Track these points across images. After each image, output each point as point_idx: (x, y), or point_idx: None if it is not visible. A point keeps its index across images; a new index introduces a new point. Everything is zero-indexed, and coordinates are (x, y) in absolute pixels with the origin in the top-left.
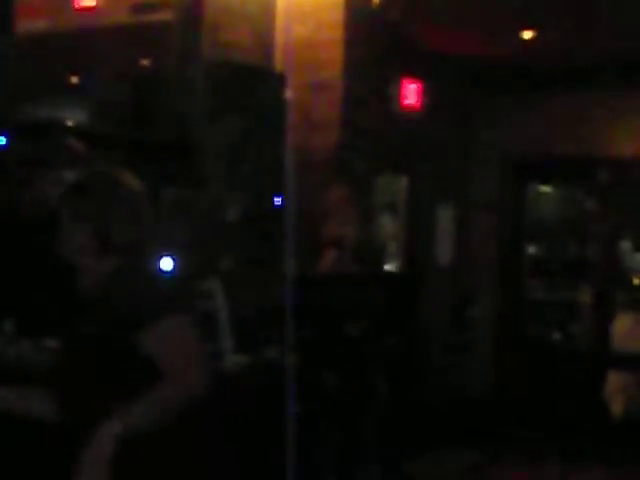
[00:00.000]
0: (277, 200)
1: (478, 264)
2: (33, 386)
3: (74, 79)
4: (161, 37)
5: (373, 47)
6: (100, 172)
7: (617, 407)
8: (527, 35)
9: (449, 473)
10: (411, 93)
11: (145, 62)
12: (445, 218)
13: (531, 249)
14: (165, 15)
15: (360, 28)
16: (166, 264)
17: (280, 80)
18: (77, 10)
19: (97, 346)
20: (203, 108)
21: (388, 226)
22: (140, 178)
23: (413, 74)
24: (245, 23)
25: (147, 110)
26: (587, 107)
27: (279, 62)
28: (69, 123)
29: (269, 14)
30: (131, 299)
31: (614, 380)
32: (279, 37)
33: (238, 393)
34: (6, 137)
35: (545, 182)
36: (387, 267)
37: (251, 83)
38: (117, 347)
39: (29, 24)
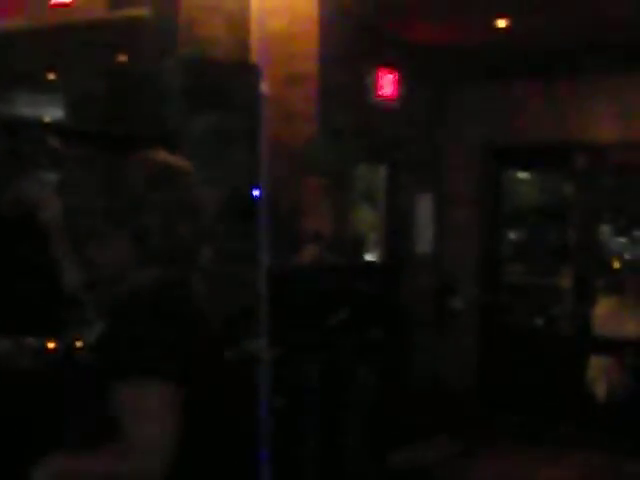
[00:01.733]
0: (255, 193)
1: (459, 252)
2: None
3: (50, 76)
4: (137, 33)
5: (348, 39)
6: (140, 156)
7: (599, 391)
8: (501, 23)
9: (435, 460)
10: (387, 83)
11: (121, 58)
12: (424, 207)
13: (511, 235)
14: (141, 11)
15: (334, 20)
16: None
17: (256, 73)
18: (52, 6)
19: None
20: (179, 102)
21: (367, 216)
22: (116, 174)
23: (388, 65)
24: (220, 17)
25: (124, 106)
26: (563, 93)
27: (254, 56)
28: (46, 120)
29: (244, 8)
30: (126, 340)
31: (596, 364)
32: (254, 31)
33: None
34: None
35: (523, 169)
36: (367, 257)
37: (227, 77)
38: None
39: (4, 21)
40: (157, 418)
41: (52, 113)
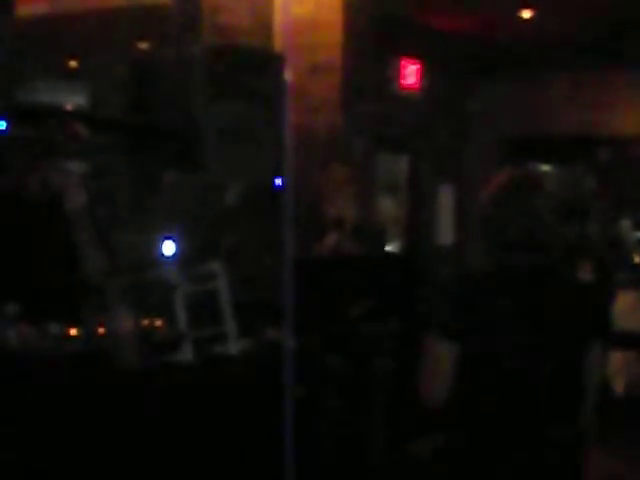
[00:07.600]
0: (277, 182)
1: (478, 244)
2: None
3: (73, 63)
4: (160, 20)
5: (372, 28)
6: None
7: (619, 385)
8: (526, 14)
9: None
10: (411, 73)
11: (144, 45)
12: (446, 198)
13: None
14: None
15: (359, 9)
16: (168, 247)
17: (279, 62)
18: None
19: None
20: (202, 91)
21: (389, 207)
22: (141, 162)
23: (412, 54)
24: (244, 5)
25: (147, 93)
26: (586, 86)
27: (278, 44)
28: (69, 107)
29: None
30: None
31: (616, 359)
32: (278, 19)
33: (243, 377)
34: (5, 122)
35: (545, 161)
36: (388, 248)
37: (250, 65)
38: None
39: (29, 7)
40: None
41: (76, 100)
